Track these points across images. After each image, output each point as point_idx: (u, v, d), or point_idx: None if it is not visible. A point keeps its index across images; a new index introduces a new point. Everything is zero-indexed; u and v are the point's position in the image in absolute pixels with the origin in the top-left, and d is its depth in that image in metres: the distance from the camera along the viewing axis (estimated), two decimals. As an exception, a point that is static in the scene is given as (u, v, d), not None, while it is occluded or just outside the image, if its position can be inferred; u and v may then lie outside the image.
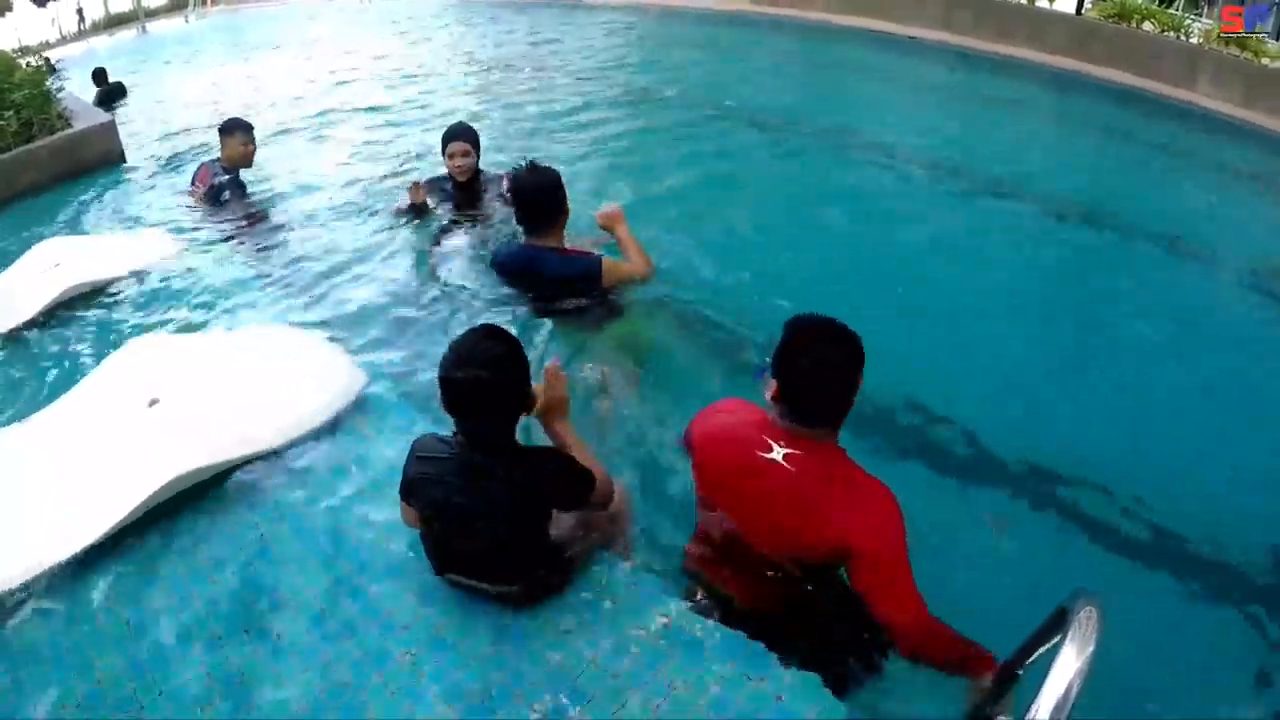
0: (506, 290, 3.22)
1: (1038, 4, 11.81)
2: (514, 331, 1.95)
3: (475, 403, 1.75)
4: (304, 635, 1.87)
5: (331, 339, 3.05)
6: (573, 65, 9.20)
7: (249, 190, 4.63)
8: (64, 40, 18.86)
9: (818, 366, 1.71)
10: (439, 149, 3.96)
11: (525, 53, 10.03)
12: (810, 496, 1.72)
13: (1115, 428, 3.21)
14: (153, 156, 5.97)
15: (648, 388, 2.93)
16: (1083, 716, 1.19)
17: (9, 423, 2.71)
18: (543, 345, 2.93)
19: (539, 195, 2.97)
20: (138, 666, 1.82)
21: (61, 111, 5.72)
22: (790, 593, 1.86)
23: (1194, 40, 10.16)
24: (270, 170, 5.21)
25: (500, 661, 1.78)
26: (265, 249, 4.12)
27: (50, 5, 20.51)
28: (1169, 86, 9.56)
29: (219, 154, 4.51)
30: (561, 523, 1.96)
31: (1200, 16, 12.08)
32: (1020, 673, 1.49)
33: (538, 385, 2.00)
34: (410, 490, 1.88)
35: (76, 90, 7.04)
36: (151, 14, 19.23)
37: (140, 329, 3.27)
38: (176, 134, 6.58)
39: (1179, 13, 10.93)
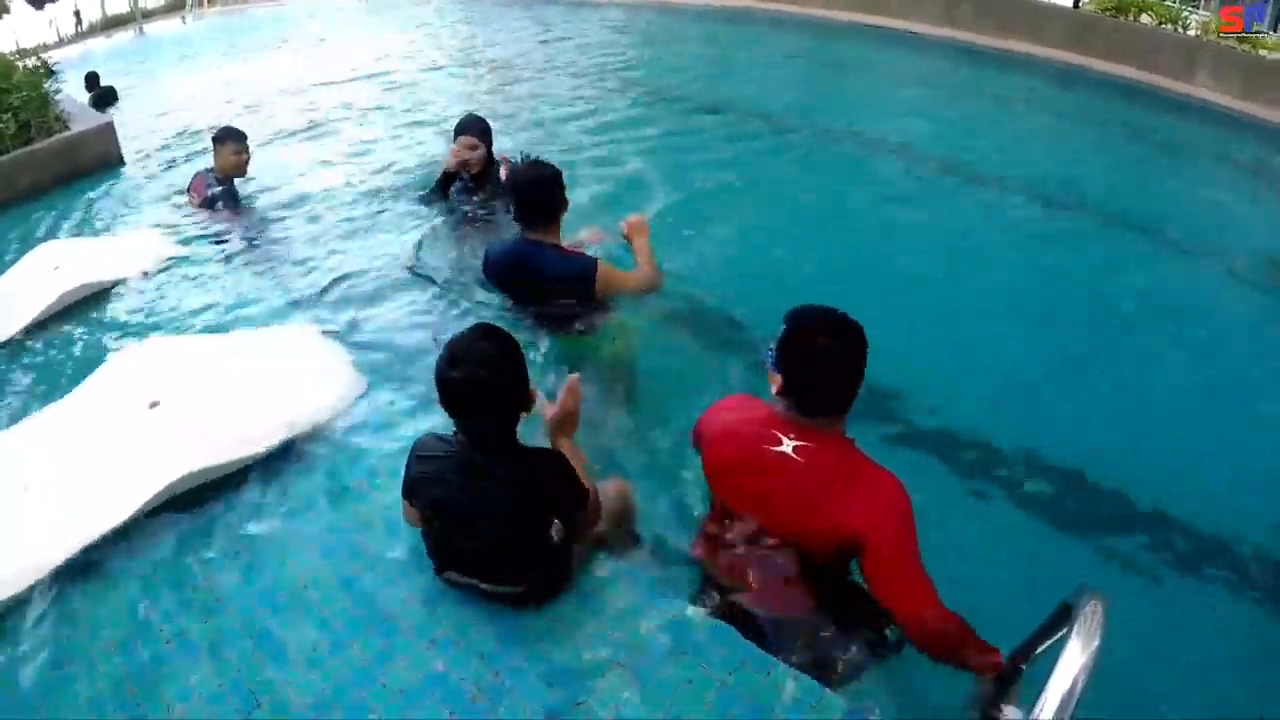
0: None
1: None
2: (516, 333, 1.94)
3: (473, 401, 1.74)
4: (306, 636, 1.86)
5: (331, 339, 3.04)
6: (572, 63, 9.20)
7: (245, 196, 4.61)
8: (61, 42, 18.84)
9: (822, 356, 1.71)
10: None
11: (525, 50, 10.02)
12: (820, 487, 1.72)
13: (1117, 423, 3.21)
14: (151, 159, 5.97)
15: (651, 385, 2.93)
16: (1087, 711, 1.19)
17: (9, 425, 2.70)
18: (539, 350, 2.90)
19: (537, 190, 2.91)
20: (138, 670, 1.81)
21: (59, 114, 5.70)
22: (803, 586, 1.86)
23: (1192, 33, 10.14)
24: (268, 172, 5.20)
25: (502, 661, 1.78)
26: (264, 251, 4.11)
27: (48, 7, 20.52)
28: (1168, 79, 9.54)
29: (213, 162, 4.48)
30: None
31: (1197, 8, 12.05)
32: (1024, 668, 1.49)
33: (549, 403, 1.99)
34: (412, 490, 1.88)
35: (73, 93, 7.04)
36: (148, 15, 19.22)
37: (140, 331, 3.27)
38: (175, 136, 6.57)
39: (1176, 4, 10.91)
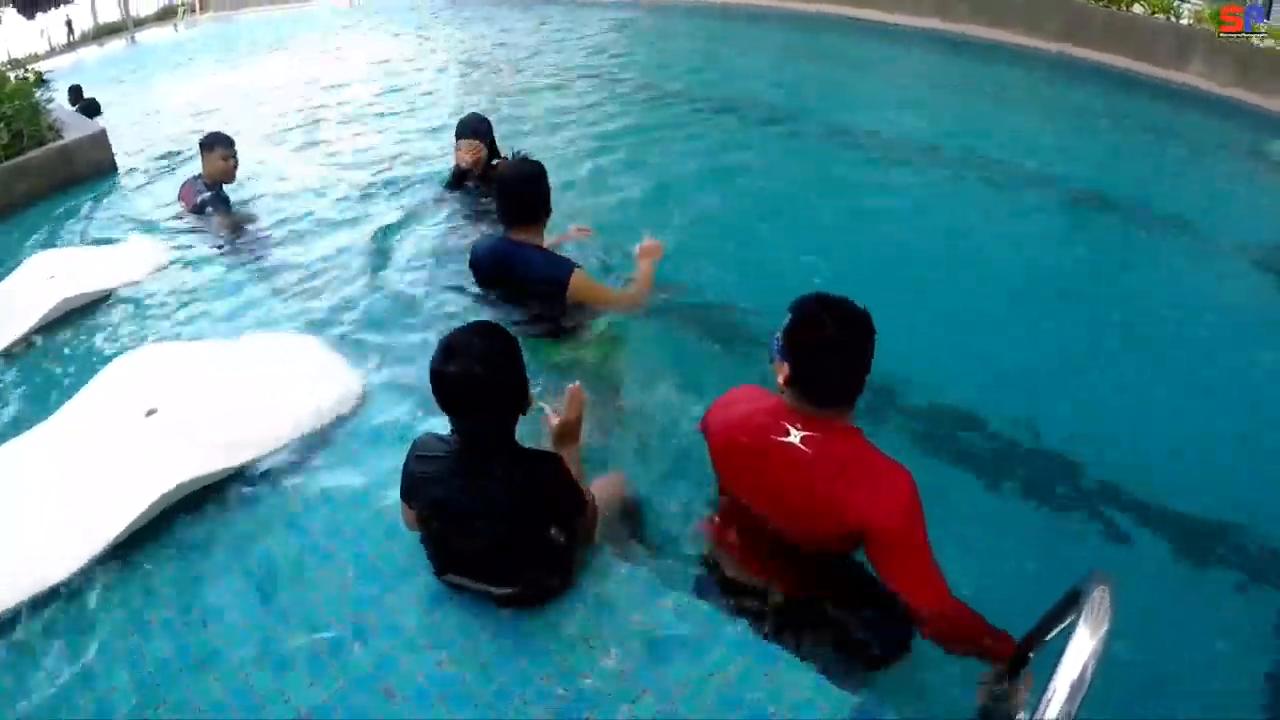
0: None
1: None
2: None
3: (468, 400, 1.71)
4: (306, 641, 1.85)
5: (327, 344, 3.03)
6: (567, 61, 9.18)
7: (236, 202, 4.58)
8: (53, 51, 18.82)
9: (828, 345, 1.69)
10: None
11: (515, 50, 10.00)
12: (827, 478, 1.70)
13: (1123, 411, 3.21)
14: (144, 166, 5.94)
15: (653, 380, 2.92)
16: (1098, 696, 1.18)
17: (7, 435, 2.69)
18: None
19: (521, 188, 2.86)
20: (142, 680, 1.80)
21: (52, 123, 5.68)
22: (811, 577, 1.85)
23: (1184, 21, 10.13)
24: (261, 179, 5.20)
25: (505, 663, 1.76)
26: (258, 257, 4.10)
27: (39, 17, 20.48)
28: (1162, 69, 9.54)
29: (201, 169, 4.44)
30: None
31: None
32: (1033, 655, 1.48)
33: (553, 412, 1.97)
34: (410, 490, 1.86)
35: (64, 102, 7.02)
36: (140, 23, 19.18)
37: (136, 339, 3.26)
38: (168, 143, 6.54)
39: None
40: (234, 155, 4.41)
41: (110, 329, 3.40)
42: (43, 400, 2.93)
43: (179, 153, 6.03)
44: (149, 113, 8.20)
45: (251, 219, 4.59)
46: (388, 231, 4.15)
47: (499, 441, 1.80)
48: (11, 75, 6.29)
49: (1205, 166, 6.95)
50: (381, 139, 6.23)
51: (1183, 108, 8.58)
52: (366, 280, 3.67)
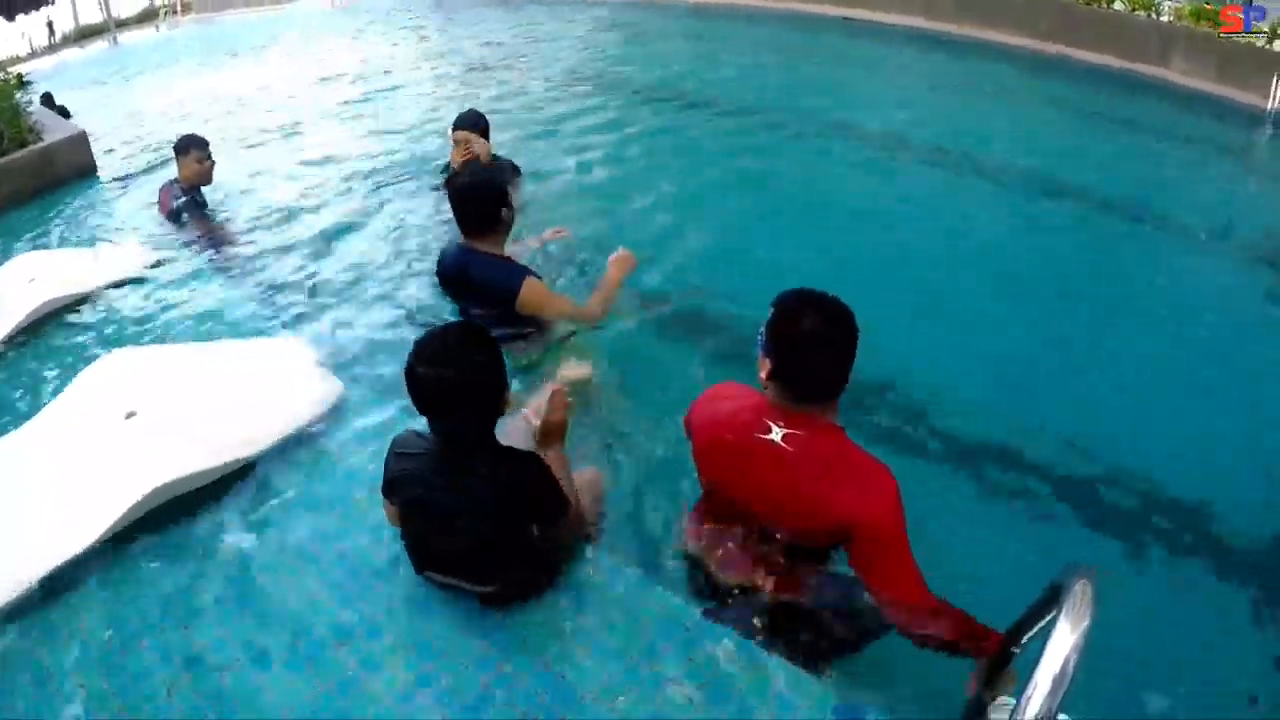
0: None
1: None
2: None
3: (442, 401, 1.70)
4: (290, 643, 1.83)
5: (307, 345, 3.00)
6: (556, 62, 9.16)
7: (215, 204, 4.54)
8: (35, 53, 18.59)
9: (810, 341, 1.67)
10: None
11: (503, 52, 9.97)
12: (809, 476, 1.69)
13: (1123, 411, 3.22)
14: (125, 168, 5.89)
15: (637, 378, 2.91)
16: (1081, 689, 1.17)
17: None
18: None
19: (474, 197, 2.80)
20: (121, 686, 1.78)
21: (32, 125, 5.63)
22: (792, 572, 1.84)
23: (1165, 18, 10.20)
24: (240, 180, 5.15)
25: (487, 663, 1.75)
26: (238, 259, 4.07)
27: (20, 18, 20.24)
28: (1144, 65, 9.61)
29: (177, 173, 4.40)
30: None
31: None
32: (1016, 650, 1.48)
33: (538, 402, 1.96)
34: (390, 487, 1.85)
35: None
36: (122, 25, 19.00)
37: (116, 341, 3.22)
38: (149, 145, 6.49)
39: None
40: (209, 158, 4.37)
41: (89, 332, 3.37)
42: (21, 403, 2.90)
43: (160, 154, 5.98)
44: (130, 114, 8.11)
45: (230, 222, 4.55)
46: (368, 233, 4.13)
47: (480, 440, 1.78)
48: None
49: (1205, 166, 6.98)
50: (364, 141, 6.19)
51: (1183, 108, 8.62)
52: (346, 281, 3.65)
